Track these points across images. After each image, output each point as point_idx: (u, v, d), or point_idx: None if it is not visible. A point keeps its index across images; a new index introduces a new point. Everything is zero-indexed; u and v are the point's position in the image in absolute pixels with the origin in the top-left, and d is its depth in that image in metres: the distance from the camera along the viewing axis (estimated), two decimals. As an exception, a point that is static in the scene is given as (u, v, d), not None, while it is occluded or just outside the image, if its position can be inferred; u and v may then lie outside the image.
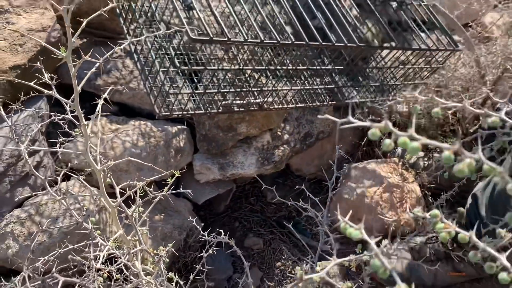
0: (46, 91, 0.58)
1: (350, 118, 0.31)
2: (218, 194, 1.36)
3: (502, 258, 0.28)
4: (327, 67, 1.23)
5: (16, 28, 1.13)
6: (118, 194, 0.62)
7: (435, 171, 1.41)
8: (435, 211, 0.33)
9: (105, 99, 0.66)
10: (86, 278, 0.61)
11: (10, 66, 1.09)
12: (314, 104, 1.25)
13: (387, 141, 0.28)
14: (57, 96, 0.58)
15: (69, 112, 0.63)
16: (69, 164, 0.92)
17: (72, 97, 0.56)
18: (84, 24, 0.55)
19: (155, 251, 0.66)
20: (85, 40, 1.35)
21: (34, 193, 0.77)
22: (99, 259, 0.58)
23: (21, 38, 1.13)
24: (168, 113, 1.02)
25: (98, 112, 0.61)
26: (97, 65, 0.58)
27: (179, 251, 1.18)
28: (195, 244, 1.21)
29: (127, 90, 1.15)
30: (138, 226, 0.64)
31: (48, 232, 0.93)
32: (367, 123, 0.29)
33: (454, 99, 1.45)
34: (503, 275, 0.29)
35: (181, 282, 0.78)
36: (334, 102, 1.29)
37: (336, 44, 1.03)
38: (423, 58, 1.36)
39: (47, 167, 1.09)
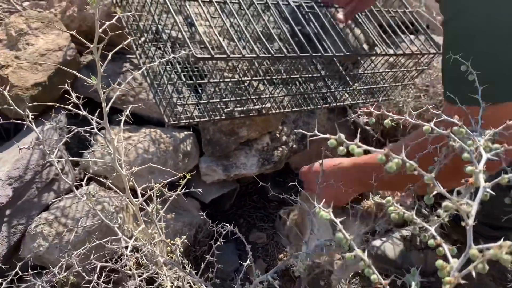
0: (80, 111, 0.69)
1: (316, 132, 0.42)
2: (223, 193, 1.47)
3: (432, 229, 0.39)
4: (319, 74, 1.34)
5: (36, 48, 1.25)
6: (139, 194, 0.74)
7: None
8: (389, 198, 0.44)
9: (123, 113, 0.77)
10: (118, 263, 0.72)
11: (32, 84, 1.20)
12: (308, 107, 1.36)
13: (340, 148, 0.39)
14: (86, 114, 0.69)
15: (95, 127, 0.74)
16: (91, 171, 1.03)
17: (96, 114, 0.67)
18: (110, 56, 0.66)
19: (172, 241, 0.77)
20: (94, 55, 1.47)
21: (64, 196, 0.89)
22: (128, 247, 0.69)
23: (40, 58, 1.25)
24: (176, 122, 1.13)
25: (121, 127, 0.73)
26: (121, 87, 0.70)
27: (190, 246, 1.29)
28: (204, 239, 1.33)
29: (144, 107, 1.26)
30: (156, 221, 0.75)
31: (73, 232, 1.04)
32: (326, 136, 0.40)
33: (440, 97, 1.57)
34: (431, 241, 0.39)
35: (194, 272, 0.89)
36: (327, 105, 1.40)
37: (325, 54, 1.14)
38: (412, 60, 1.47)
39: (68, 174, 1.20)
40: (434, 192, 0.38)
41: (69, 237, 1.03)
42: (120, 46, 0.69)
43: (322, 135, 0.40)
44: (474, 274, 0.33)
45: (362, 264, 0.38)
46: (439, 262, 0.36)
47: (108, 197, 0.81)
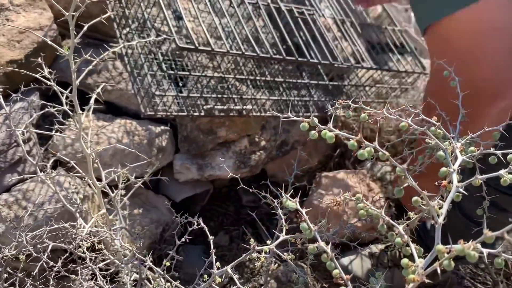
0: (47, 81, 0.66)
1: (289, 114, 0.40)
2: (195, 194, 1.43)
3: (400, 227, 0.38)
4: (303, 81, 1.33)
5: (15, 25, 1.21)
6: (103, 177, 0.70)
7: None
8: (358, 195, 0.42)
9: (97, 94, 0.74)
10: (71, 244, 0.68)
11: (7, 61, 1.16)
12: (289, 114, 1.35)
13: (312, 132, 0.37)
14: (56, 87, 0.66)
15: (64, 103, 0.71)
16: (58, 154, 0.99)
17: (69, 88, 0.64)
18: (85, 28, 0.63)
19: (133, 230, 0.73)
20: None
21: (26, 175, 0.85)
22: (84, 228, 0.65)
23: (19, 35, 1.20)
24: (153, 113, 1.10)
25: (91, 104, 0.70)
26: (94, 63, 0.67)
27: (155, 243, 1.25)
28: (170, 238, 1.29)
29: (117, 86, 1.23)
30: (119, 207, 0.72)
31: (33, 216, 1.00)
32: (299, 119, 0.38)
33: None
34: (398, 240, 0.38)
35: (156, 268, 0.85)
36: (308, 114, 1.39)
37: (310, 60, 1.13)
38: (397, 79, 1.48)
39: (36, 157, 1.15)
40: (405, 184, 0.37)
41: (28, 221, 0.99)
42: (99, 18, 0.66)
43: (295, 118, 0.38)
44: (439, 271, 0.31)
45: (324, 257, 0.36)
46: (405, 260, 0.35)
47: (69, 175, 0.77)
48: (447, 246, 0.31)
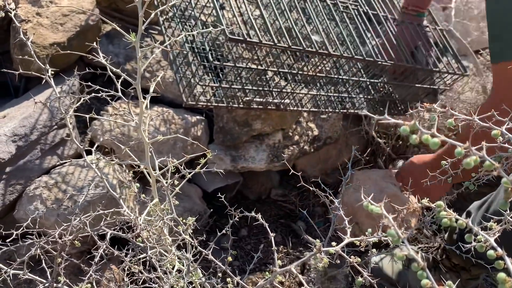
0: (106, 66, 0.66)
1: (386, 116, 0.38)
2: (226, 185, 1.43)
3: (491, 239, 0.36)
4: (342, 77, 1.31)
5: (59, 8, 1.21)
6: (157, 166, 0.70)
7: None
8: (440, 202, 0.41)
9: (153, 80, 0.74)
10: (131, 234, 0.68)
11: (50, 43, 1.16)
12: (326, 110, 1.33)
13: (413, 136, 0.35)
14: (112, 72, 0.66)
15: (119, 90, 0.70)
16: (101, 139, 0.99)
17: (122, 76, 0.64)
18: (152, 15, 0.62)
19: (184, 220, 0.73)
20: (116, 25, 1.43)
21: (71, 160, 0.85)
22: (141, 219, 0.65)
23: (62, 18, 1.20)
24: (194, 103, 1.10)
25: (150, 93, 0.69)
26: (157, 51, 0.66)
27: (187, 233, 1.25)
28: (202, 228, 1.29)
29: (172, 81, 1.23)
30: (171, 197, 0.72)
31: (73, 200, 1.00)
32: (399, 121, 0.36)
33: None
34: (490, 252, 0.36)
35: (217, 262, 0.82)
36: (345, 111, 1.37)
37: (355, 57, 1.11)
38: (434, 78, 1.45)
39: (75, 140, 1.16)
40: (512, 197, 0.35)
41: (68, 204, 0.99)
42: (159, 10, 0.65)
43: (393, 120, 0.37)
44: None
45: (415, 265, 0.35)
46: (502, 275, 0.33)
47: (122, 162, 0.76)
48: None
